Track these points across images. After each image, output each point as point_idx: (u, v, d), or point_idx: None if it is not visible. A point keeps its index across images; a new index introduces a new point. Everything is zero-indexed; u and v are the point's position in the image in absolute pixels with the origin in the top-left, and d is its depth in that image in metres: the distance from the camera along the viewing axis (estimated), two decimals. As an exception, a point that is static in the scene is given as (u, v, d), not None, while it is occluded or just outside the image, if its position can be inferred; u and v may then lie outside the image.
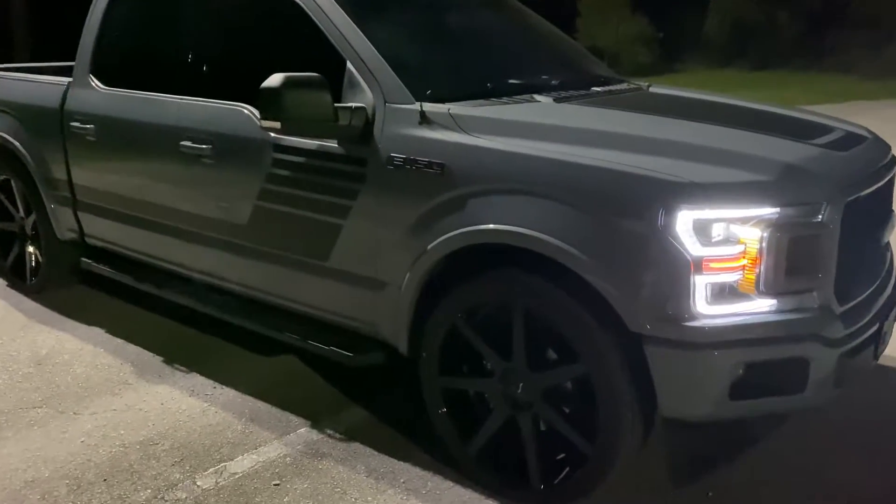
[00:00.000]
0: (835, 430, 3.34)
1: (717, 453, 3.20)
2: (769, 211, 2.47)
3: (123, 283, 4.27)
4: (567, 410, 2.82)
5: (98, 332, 4.39)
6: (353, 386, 3.73)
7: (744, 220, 2.47)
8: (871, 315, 2.75)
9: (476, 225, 2.74)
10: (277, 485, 3.04)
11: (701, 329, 2.45)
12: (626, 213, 2.49)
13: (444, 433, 3.07)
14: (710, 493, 2.97)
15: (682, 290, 2.45)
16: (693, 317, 2.45)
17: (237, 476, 3.09)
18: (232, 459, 3.20)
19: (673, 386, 2.54)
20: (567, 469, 2.82)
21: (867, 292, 2.82)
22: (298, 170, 3.23)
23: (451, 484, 3.03)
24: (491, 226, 2.71)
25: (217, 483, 3.05)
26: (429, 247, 2.87)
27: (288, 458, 3.20)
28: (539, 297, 2.69)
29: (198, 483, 3.05)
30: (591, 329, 2.59)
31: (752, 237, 2.46)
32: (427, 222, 2.86)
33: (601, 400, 2.63)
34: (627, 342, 2.55)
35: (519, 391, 2.86)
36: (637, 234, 2.47)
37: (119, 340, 4.28)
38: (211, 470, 3.13)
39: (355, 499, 2.95)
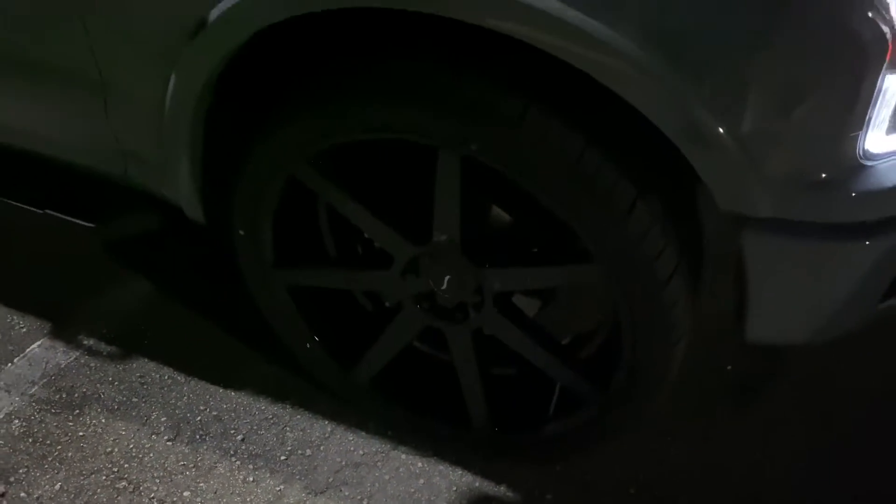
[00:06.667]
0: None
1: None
2: None
3: None
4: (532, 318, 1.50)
5: None
6: (126, 248, 2.10)
7: None
8: None
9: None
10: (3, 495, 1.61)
11: (876, 193, 1.09)
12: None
13: (311, 365, 1.67)
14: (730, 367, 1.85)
15: (855, 111, 1.03)
16: (860, 170, 1.08)
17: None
18: None
19: (789, 300, 1.23)
20: (548, 415, 1.54)
21: None
22: None
23: (326, 427, 1.70)
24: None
25: None
26: (211, 13, 1.22)
27: (15, 423, 1.72)
28: (507, 138, 1.18)
29: None
30: (627, 206, 1.16)
31: None
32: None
33: (631, 333, 1.30)
34: (694, 230, 1.18)
35: (444, 288, 1.46)
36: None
37: None
38: None
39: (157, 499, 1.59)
